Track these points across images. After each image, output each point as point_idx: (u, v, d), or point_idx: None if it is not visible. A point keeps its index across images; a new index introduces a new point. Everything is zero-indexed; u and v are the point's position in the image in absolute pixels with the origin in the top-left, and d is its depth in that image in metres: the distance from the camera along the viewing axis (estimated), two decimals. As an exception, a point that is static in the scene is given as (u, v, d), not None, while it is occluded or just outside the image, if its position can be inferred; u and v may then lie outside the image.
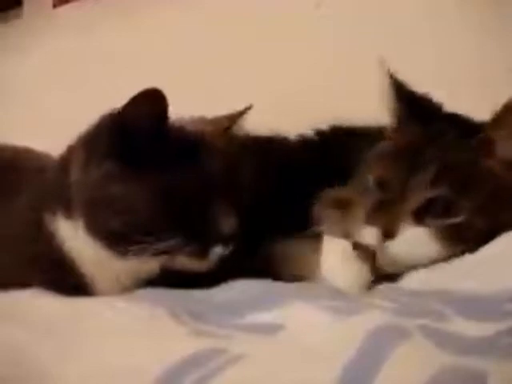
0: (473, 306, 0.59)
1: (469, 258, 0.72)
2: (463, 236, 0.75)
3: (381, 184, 0.80)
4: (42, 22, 1.65)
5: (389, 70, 0.85)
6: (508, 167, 0.79)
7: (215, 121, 0.87)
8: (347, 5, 1.28)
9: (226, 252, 0.79)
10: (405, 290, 0.70)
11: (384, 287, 0.73)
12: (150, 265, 0.78)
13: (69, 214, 0.78)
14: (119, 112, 0.76)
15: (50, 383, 0.51)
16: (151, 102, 0.74)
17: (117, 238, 0.76)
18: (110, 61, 1.48)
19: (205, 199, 0.77)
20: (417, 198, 0.76)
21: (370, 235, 0.76)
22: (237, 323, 0.60)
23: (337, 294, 0.65)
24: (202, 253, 0.77)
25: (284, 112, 1.16)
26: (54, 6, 1.69)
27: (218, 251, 0.78)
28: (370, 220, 0.77)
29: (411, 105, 0.84)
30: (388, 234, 0.75)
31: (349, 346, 0.49)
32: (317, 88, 1.21)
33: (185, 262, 0.77)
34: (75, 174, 0.79)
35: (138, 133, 0.76)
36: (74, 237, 0.78)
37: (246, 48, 1.35)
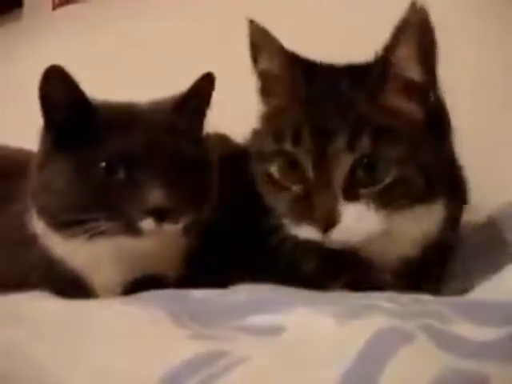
0: (475, 309, 0.59)
1: None
2: (402, 193, 0.71)
3: (292, 171, 0.73)
4: (41, 23, 1.65)
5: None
6: (409, 92, 0.74)
7: (165, 98, 0.85)
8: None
9: (171, 228, 0.77)
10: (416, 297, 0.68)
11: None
12: (102, 249, 0.77)
13: (33, 208, 0.80)
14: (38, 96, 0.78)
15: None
16: (54, 79, 0.76)
17: (51, 219, 0.78)
18: (109, 63, 1.47)
19: (129, 174, 0.76)
20: (340, 172, 0.70)
21: (309, 233, 0.72)
22: (239, 325, 0.60)
23: (339, 298, 0.65)
24: (131, 227, 0.75)
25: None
26: (54, 7, 1.69)
27: (148, 224, 0.75)
28: (300, 216, 0.72)
29: (294, 63, 0.78)
30: (329, 222, 0.70)
31: (351, 350, 0.49)
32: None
33: (124, 241, 0.76)
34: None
35: (56, 112, 0.77)
36: (44, 230, 0.80)
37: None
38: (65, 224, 0.77)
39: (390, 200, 0.71)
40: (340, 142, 0.70)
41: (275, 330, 0.56)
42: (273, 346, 0.53)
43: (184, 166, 0.79)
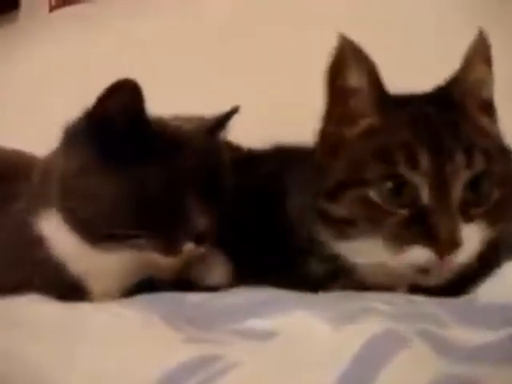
0: (471, 311, 0.59)
1: None
2: (502, 215, 0.70)
3: (396, 193, 0.70)
4: (38, 25, 1.65)
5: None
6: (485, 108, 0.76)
7: (197, 120, 0.87)
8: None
9: (200, 251, 0.79)
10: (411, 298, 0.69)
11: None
12: (129, 259, 0.78)
13: (50, 211, 0.79)
14: (94, 104, 0.77)
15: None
16: (124, 92, 0.75)
17: (90, 228, 0.77)
18: (107, 64, 1.47)
19: (177, 195, 0.77)
20: (457, 192, 0.68)
21: (424, 256, 0.68)
22: (234, 329, 0.60)
23: (335, 301, 0.65)
24: (172, 248, 0.77)
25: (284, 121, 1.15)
26: (51, 9, 1.69)
27: (190, 248, 0.77)
28: (417, 241, 0.68)
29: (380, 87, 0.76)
30: (451, 246, 0.66)
31: (346, 354, 0.49)
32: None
33: (156, 257, 0.77)
34: (56, 169, 0.80)
35: (113, 124, 0.76)
36: (56, 234, 0.79)
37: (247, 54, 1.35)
38: (103, 235, 0.77)
39: (495, 219, 0.70)
40: (459, 159, 0.68)
41: (270, 335, 0.56)
42: (267, 351, 0.54)
43: (218, 189, 0.81)
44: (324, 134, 0.78)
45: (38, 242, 0.79)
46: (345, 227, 0.72)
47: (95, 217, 0.77)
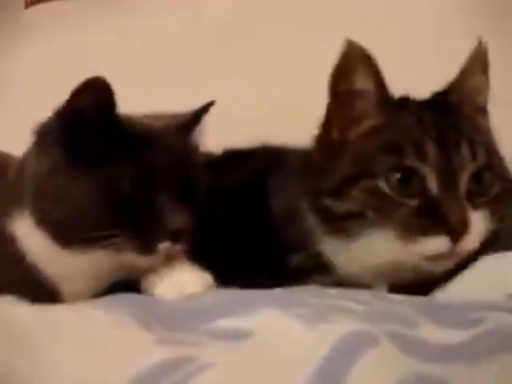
0: (440, 312, 0.60)
1: None
2: (501, 207, 0.75)
3: (405, 184, 0.73)
4: (14, 22, 1.63)
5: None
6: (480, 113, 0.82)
7: (168, 117, 0.86)
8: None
9: (177, 249, 0.78)
10: (385, 296, 0.71)
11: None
12: (103, 260, 0.77)
13: (22, 211, 0.78)
14: (64, 102, 0.76)
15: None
16: (94, 91, 0.74)
17: (62, 230, 0.76)
18: (91, 64, 1.46)
19: (150, 194, 0.77)
20: (464, 182, 0.73)
21: (439, 243, 0.71)
22: (206, 329, 0.60)
23: (307, 300, 0.65)
24: (148, 248, 0.76)
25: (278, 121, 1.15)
26: (26, 6, 1.67)
27: (165, 246, 0.76)
28: (429, 230, 0.72)
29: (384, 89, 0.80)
30: (462, 234, 0.71)
31: (317, 354, 0.50)
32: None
33: (132, 257, 0.76)
34: (29, 170, 0.79)
35: (83, 123, 0.75)
36: (28, 235, 0.78)
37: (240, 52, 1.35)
38: (74, 237, 0.76)
39: (496, 210, 0.75)
40: (465, 151, 0.73)
41: (242, 335, 0.56)
42: (240, 351, 0.54)
43: (192, 187, 0.81)
44: (325, 139, 0.81)
45: (10, 243, 0.79)
46: (351, 222, 0.75)
47: (67, 219, 0.76)
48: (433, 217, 0.72)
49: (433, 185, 0.73)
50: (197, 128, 0.85)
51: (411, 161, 0.73)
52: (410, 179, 0.74)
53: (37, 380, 0.52)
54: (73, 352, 0.55)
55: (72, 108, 0.76)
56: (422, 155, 0.73)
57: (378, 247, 0.74)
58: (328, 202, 0.77)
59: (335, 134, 0.80)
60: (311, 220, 0.79)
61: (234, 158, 0.94)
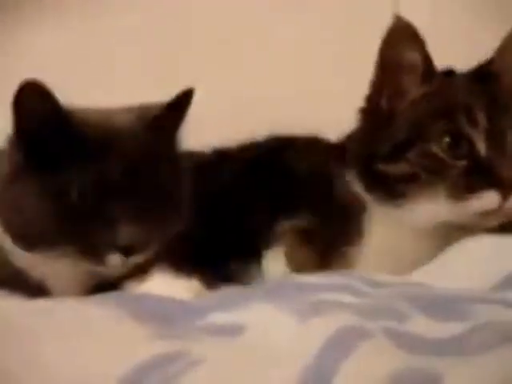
0: (436, 305, 0.60)
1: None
2: None
3: (455, 146, 0.80)
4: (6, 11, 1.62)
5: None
6: None
7: (139, 109, 0.80)
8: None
9: (134, 260, 0.75)
10: (378, 281, 0.70)
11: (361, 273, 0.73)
12: (70, 266, 0.76)
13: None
14: (11, 111, 0.74)
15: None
16: (28, 96, 0.72)
17: (19, 237, 0.76)
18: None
19: (99, 205, 0.73)
20: (510, 141, 0.79)
21: (490, 199, 0.78)
22: (199, 325, 0.60)
23: (300, 293, 0.65)
24: (98, 260, 0.74)
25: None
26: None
27: (115, 259, 0.73)
28: (479, 187, 0.78)
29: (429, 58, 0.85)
30: (511, 189, 0.77)
31: (310, 348, 0.50)
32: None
33: (91, 268, 0.75)
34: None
35: (33, 128, 0.73)
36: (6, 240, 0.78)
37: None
38: (29, 244, 0.75)
39: None
40: (510, 117, 0.80)
41: (235, 330, 0.56)
42: (232, 347, 0.54)
43: (159, 191, 0.76)
44: (373, 111, 0.87)
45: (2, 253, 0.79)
46: (405, 185, 0.81)
47: (21, 226, 0.75)
48: (481, 175, 0.78)
49: (481, 146, 0.79)
50: (176, 121, 0.79)
51: (463, 126, 0.80)
52: (459, 142, 0.80)
53: (23, 374, 0.52)
54: (63, 347, 0.55)
55: (18, 113, 0.73)
56: (472, 121, 0.80)
57: (429, 209, 0.80)
58: (383, 166, 0.83)
59: (384, 104, 0.85)
60: (359, 189, 0.86)
61: (226, 159, 0.95)
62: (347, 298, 0.63)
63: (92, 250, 0.73)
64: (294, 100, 1.21)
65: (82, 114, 0.76)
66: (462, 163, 0.80)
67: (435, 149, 0.80)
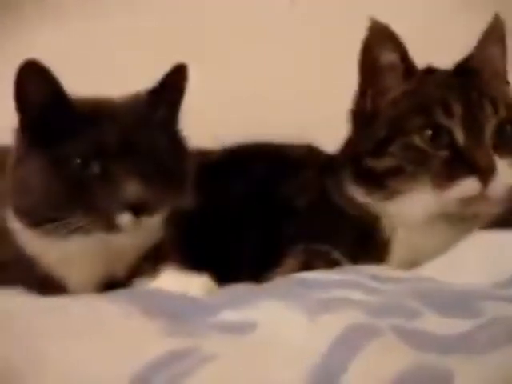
0: (446, 301, 0.60)
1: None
2: None
3: (436, 138, 0.83)
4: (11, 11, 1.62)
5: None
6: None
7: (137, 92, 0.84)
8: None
9: (149, 222, 0.77)
10: (388, 276, 0.71)
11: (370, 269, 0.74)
12: (77, 246, 0.77)
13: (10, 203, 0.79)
14: (13, 92, 0.77)
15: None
16: (32, 74, 0.75)
17: (31, 217, 0.77)
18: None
19: (101, 169, 0.76)
20: (489, 133, 0.82)
21: (470, 185, 0.80)
22: (211, 322, 0.60)
23: (310, 290, 0.65)
24: (109, 222, 0.75)
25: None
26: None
27: (126, 219, 0.75)
28: (461, 175, 0.81)
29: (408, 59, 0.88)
30: (490, 173, 0.79)
31: (319, 346, 0.50)
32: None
33: (103, 238, 0.76)
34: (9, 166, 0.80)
35: (33, 107, 0.77)
36: (18, 226, 0.79)
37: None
38: (41, 222, 0.76)
39: None
40: (487, 107, 0.83)
41: (246, 327, 0.57)
42: (242, 344, 0.54)
43: (159, 159, 0.79)
44: (359, 111, 0.91)
45: (10, 237, 0.79)
46: (392, 179, 0.85)
47: (31, 203, 0.77)
48: (461, 163, 0.81)
49: (459, 136, 0.82)
50: (170, 96, 0.83)
51: (439, 118, 0.83)
52: (439, 133, 0.83)
53: (34, 373, 0.52)
54: (75, 344, 0.55)
55: (18, 95, 0.77)
56: (448, 112, 0.83)
57: (417, 200, 0.84)
58: (369, 162, 0.87)
59: (368, 104, 0.89)
60: (352, 187, 0.89)
61: (235, 160, 0.98)
62: (356, 295, 0.63)
63: (102, 213, 0.75)
64: (290, 100, 1.22)
65: (81, 97, 0.80)
66: (444, 153, 0.83)
67: (418, 141, 0.83)
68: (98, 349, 0.54)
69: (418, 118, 0.84)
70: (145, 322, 0.60)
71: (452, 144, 0.83)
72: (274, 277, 0.81)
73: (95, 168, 0.75)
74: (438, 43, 1.20)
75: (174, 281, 0.74)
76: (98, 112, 0.78)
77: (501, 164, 0.81)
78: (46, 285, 0.77)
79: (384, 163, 0.85)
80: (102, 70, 1.25)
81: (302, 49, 1.26)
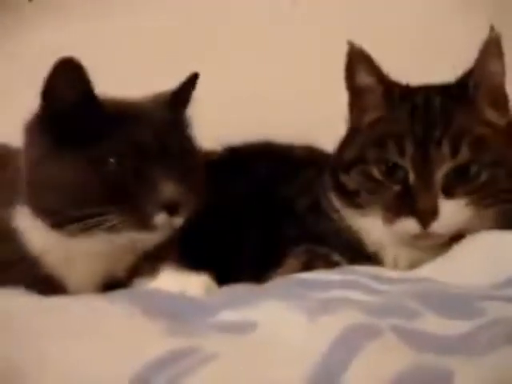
0: (446, 302, 0.60)
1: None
2: (491, 192, 0.80)
3: (393, 172, 0.83)
4: (18, 13, 1.62)
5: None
6: (498, 102, 0.87)
7: (157, 94, 0.86)
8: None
9: (177, 222, 0.78)
10: (388, 277, 0.72)
11: (369, 269, 0.75)
12: (101, 244, 0.77)
13: (21, 201, 0.79)
14: (43, 87, 0.77)
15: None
16: (66, 71, 0.75)
17: (55, 215, 0.77)
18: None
19: (138, 169, 0.77)
20: (441, 174, 0.80)
21: (410, 225, 0.80)
22: (211, 322, 0.60)
23: (310, 290, 0.66)
24: (143, 222, 0.76)
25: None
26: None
27: (162, 218, 0.76)
28: (400, 212, 0.81)
29: (386, 83, 0.88)
30: (430, 217, 0.79)
31: (319, 346, 0.50)
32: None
33: (132, 236, 0.77)
34: (22, 163, 0.80)
35: (62, 104, 0.76)
36: (29, 225, 0.79)
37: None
38: (70, 220, 0.76)
39: (480, 198, 0.81)
40: (445, 149, 0.81)
41: (246, 327, 0.57)
42: (243, 344, 0.54)
43: (186, 159, 0.81)
44: (347, 125, 0.92)
45: (13, 235, 0.79)
46: (357, 198, 0.86)
47: (60, 202, 0.76)
48: (407, 202, 0.81)
49: (411, 175, 0.82)
50: (187, 102, 0.86)
51: (392, 155, 0.83)
52: (394, 168, 0.83)
53: (35, 372, 0.52)
54: (75, 343, 0.55)
55: (50, 91, 0.76)
56: (401, 152, 0.83)
57: (375, 224, 0.85)
58: (342, 177, 0.88)
59: (352, 122, 0.91)
60: (332, 197, 0.90)
61: (237, 160, 0.99)
62: (356, 296, 0.64)
63: (140, 213, 0.76)
64: (291, 100, 1.22)
65: (107, 97, 0.80)
66: (397, 188, 0.83)
67: (375, 172, 0.84)
68: (98, 349, 0.54)
69: (376, 150, 0.85)
70: (145, 322, 0.60)
71: (404, 180, 0.82)
72: (274, 277, 0.81)
73: (130, 168, 0.77)
74: (437, 43, 1.21)
75: (173, 281, 0.75)
76: (126, 112, 0.79)
77: (448, 205, 0.79)
78: (47, 285, 0.77)
79: (349, 183, 0.87)
80: (104, 69, 1.24)
81: (303, 49, 1.26)
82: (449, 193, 0.80)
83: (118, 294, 0.69)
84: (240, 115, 1.14)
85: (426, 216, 0.79)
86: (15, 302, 0.65)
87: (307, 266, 0.81)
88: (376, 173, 0.84)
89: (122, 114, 0.79)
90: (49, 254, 0.79)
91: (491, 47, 0.86)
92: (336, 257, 0.84)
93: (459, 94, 0.86)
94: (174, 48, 1.37)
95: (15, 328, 0.58)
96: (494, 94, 0.87)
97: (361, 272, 0.72)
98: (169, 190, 0.76)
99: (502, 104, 0.87)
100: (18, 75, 1.49)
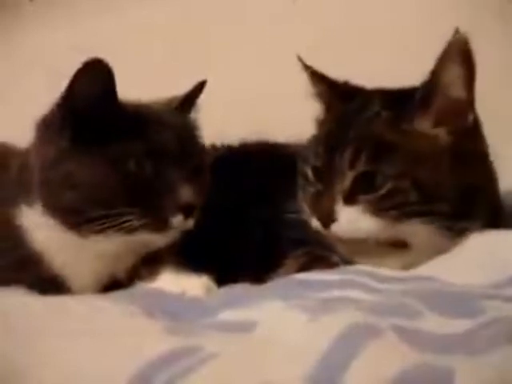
0: (446, 301, 0.60)
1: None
2: (393, 203, 0.79)
3: (317, 174, 0.85)
4: (20, 11, 1.62)
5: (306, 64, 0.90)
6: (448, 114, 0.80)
7: (166, 99, 0.89)
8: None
9: (189, 224, 0.79)
10: (387, 276, 0.71)
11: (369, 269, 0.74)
12: (114, 245, 0.78)
13: (30, 200, 0.79)
14: (67, 86, 0.77)
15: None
16: (95, 72, 0.75)
17: (73, 215, 0.77)
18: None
19: (157, 170, 0.78)
20: (343, 181, 0.81)
21: (317, 225, 0.82)
22: (211, 321, 0.60)
23: (310, 290, 0.66)
24: (161, 224, 0.77)
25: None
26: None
27: (178, 220, 0.78)
28: (311, 211, 0.84)
29: (332, 87, 0.90)
30: (327, 220, 0.81)
31: (320, 345, 0.50)
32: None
33: (146, 237, 0.78)
34: (35, 162, 0.80)
35: (86, 104, 0.77)
36: (37, 224, 0.79)
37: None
38: (87, 219, 0.76)
39: (384, 208, 0.79)
40: (344, 160, 0.81)
41: (246, 327, 0.57)
42: (243, 343, 0.54)
43: (198, 162, 0.83)
44: None
45: (17, 234, 0.79)
46: None
47: (78, 202, 0.77)
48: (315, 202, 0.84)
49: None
50: (193, 107, 0.89)
51: (311, 158, 0.86)
52: (317, 169, 0.85)
53: (35, 371, 0.52)
54: (76, 342, 0.55)
55: (74, 90, 0.77)
56: (316, 155, 0.85)
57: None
58: None
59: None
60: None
61: (237, 159, 1.00)
62: (356, 295, 0.64)
63: (158, 214, 0.77)
64: (292, 99, 1.22)
65: (123, 99, 0.81)
66: (319, 187, 0.84)
67: (306, 169, 0.86)
68: (98, 348, 0.54)
69: (308, 152, 0.87)
70: (145, 322, 0.60)
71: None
72: (274, 277, 0.81)
73: (149, 169, 0.78)
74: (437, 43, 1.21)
75: (173, 282, 0.75)
76: (146, 115, 0.81)
77: (347, 210, 0.80)
78: (50, 284, 0.77)
79: None
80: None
81: (304, 48, 1.26)
82: (349, 199, 0.80)
83: (119, 294, 0.69)
84: (240, 115, 1.14)
85: (324, 218, 0.81)
86: (14, 302, 0.66)
87: (307, 268, 0.81)
88: (308, 171, 0.86)
89: (142, 117, 0.80)
90: (55, 254, 0.79)
91: (452, 53, 0.78)
92: (336, 258, 0.84)
93: (402, 101, 0.82)
94: (173, 48, 1.37)
95: (14, 328, 0.58)
96: (446, 107, 0.80)
97: (361, 271, 0.72)
98: (187, 192, 0.78)
99: (452, 120, 0.80)
100: (18, 75, 1.51)
